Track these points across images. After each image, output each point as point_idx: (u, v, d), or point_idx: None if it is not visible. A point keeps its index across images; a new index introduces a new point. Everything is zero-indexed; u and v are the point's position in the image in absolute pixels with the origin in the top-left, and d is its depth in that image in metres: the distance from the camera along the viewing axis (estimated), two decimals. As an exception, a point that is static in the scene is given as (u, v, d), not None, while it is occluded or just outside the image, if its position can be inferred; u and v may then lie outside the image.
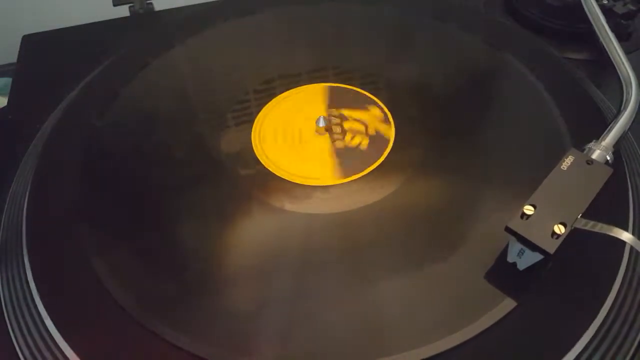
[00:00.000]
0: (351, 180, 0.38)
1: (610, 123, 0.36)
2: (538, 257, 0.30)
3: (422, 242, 0.35)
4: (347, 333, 0.30)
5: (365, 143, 0.41)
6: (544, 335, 0.30)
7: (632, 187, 0.37)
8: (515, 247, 0.31)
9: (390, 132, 0.41)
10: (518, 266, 0.31)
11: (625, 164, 0.38)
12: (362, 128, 0.42)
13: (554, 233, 0.29)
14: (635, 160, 0.39)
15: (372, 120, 0.42)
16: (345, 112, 0.43)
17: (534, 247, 0.29)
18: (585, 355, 0.29)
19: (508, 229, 0.30)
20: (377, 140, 0.41)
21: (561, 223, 0.30)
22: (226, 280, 0.34)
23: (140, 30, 0.54)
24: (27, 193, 0.38)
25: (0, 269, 0.36)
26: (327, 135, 0.42)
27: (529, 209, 0.30)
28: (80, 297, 0.33)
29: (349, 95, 0.45)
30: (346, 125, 0.42)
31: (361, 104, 0.44)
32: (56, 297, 0.33)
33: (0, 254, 0.37)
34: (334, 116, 0.43)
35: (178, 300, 0.32)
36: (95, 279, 0.33)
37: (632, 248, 0.32)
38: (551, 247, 0.29)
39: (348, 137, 0.41)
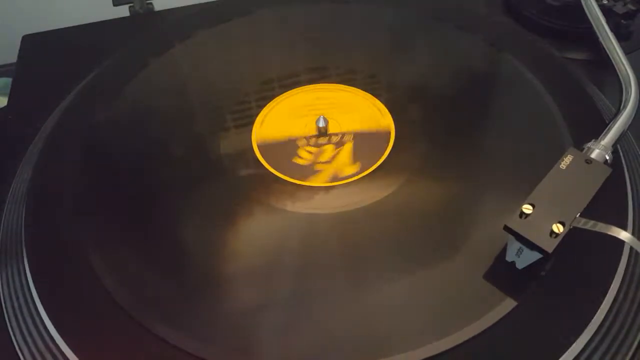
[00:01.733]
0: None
1: (609, 123, 0.36)
2: (537, 256, 0.30)
3: (421, 242, 0.35)
4: (347, 333, 0.30)
5: (299, 162, 0.40)
6: (543, 335, 0.30)
7: (631, 187, 0.37)
8: (513, 246, 0.31)
9: (317, 183, 0.38)
10: (517, 265, 0.31)
11: (624, 163, 0.38)
12: (322, 159, 0.40)
13: (552, 232, 0.29)
14: (634, 160, 0.39)
15: (333, 168, 0.39)
16: (347, 146, 0.41)
17: (532, 246, 0.29)
18: (585, 355, 0.29)
19: (507, 228, 0.30)
20: (302, 171, 0.39)
21: (560, 222, 0.30)
22: (226, 280, 0.34)
23: (140, 30, 0.54)
24: (27, 193, 0.38)
25: (0, 269, 0.36)
26: (315, 133, 0.42)
27: (527, 208, 0.30)
28: (80, 297, 0.33)
29: (376, 143, 0.41)
30: (328, 147, 0.41)
31: (362, 156, 0.40)
32: (56, 297, 0.33)
33: (0, 254, 0.37)
34: (343, 139, 0.41)
35: (178, 300, 0.32)
36: (95, 278, 0.33)
37: (631, 247, 0.32)
38: (549, 246, 0.29)
39: (310, 149, 0.41)
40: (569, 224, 0.30)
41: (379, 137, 0.41)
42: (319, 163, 0.40)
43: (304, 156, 0.40)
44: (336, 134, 0.42)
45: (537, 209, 0.30)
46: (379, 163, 0.39)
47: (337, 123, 0.43)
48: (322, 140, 0.41)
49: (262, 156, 0.40)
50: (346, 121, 0.43)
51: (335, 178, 0.39)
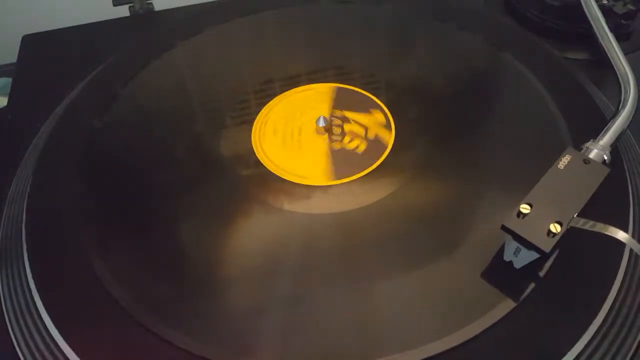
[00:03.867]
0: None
1: (607, 123, 0.36)
2: (534, 255, 0.30)
3: (421, 242, 0.35)
4: (346, 333, 0.30)
5: (362, 147, 0.40)
6: (544, 336, 0.30)
7: (632, 187, 0.37)
8: (511, 245, 0.31)
9: (390, 138, 0.41)
10: (514, 265, 0.31)
11: (625, 163, 0.38)
12: (362, 132, 0.41)
13: (549, 232, 0.29)
14: (635, 160, 0.39)
15: (373, 124, 0.42)
16: (348, 114, 0.43)
17: (529, 246, 0.29)
18: (585, 355, 0.29)
19: (504, 227, 0.30)
20: (374, 145, 0.40)
21: (557, 222, 0.30)
22: (226, 280, 0.34)
23: (140, 30, 0.54)
24: (27, 193, 0.38)
25: (0, 269, 0.36)
26: (326, 135, 0.42)
27: (525, 208, 0.30)
28: (80, 297, 0.33)
29: (354, 97, 0.44)
30: (347, 127, 0.42)
31: (365, 107, 0.43)
32: (56, 297, 0.33)
33: (0, 254, 0.37)
34: (337, 117, 0.43)
35: (178, 300, 0.32)
36: (95, 279, 0.33)
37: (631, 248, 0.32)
38: (547, 245, 0.29)
39: (346, 139, 0.41)
40: (566, 223, 0.30)
41: (341, 93, 0.45)
42: (367, 134, 0.41)
43: (356, 143, 0.41)
44: (331, 120, 0.43)
45: (535, 209, 0.30)
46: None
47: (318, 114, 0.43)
48: (336, 130, 0.42)
49: (347, 177, 0.39)
50: (318, 109, 0.44)
51: (387, 126, 0.42)
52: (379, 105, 0.43)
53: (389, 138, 0.41)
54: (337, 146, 0.41)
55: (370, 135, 0.41)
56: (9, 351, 0.32)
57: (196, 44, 0.50)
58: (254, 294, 0.32)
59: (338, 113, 0.43)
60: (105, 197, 0.38)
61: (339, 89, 0.45)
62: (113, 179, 0.39)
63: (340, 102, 0.44)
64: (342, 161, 0.40)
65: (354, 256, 0.34)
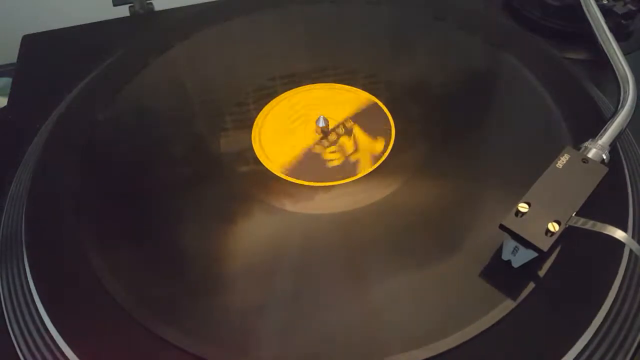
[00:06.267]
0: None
1: (606, 122, 0.36)
2: (532, 254, 0.30)
3: (421, 242, 0.35)
4: (346, 334, 0.30)
5: (335, 163, 0.39)
6: (544, 336, 0.30)
7: (631, 186, 0.37)
8: (509, 244, 0.31)
9: (365, 169, 0.39)
10: (512, 264, 0.31)
11: (624, 163, 0.38)
12: (350, 151, 0.40)
13: (548, 231, 0.29)
14: (635, 160, 0.39)
15: (366, 150, 0.40)
16: (356, 129, 0.42)
17: (527, 245, 0.29)
18: (585, 355, 0.29)
19: (502, 226, 0.30)
20: (347, 168, 0.39)
21: (555, 221, 0.30)
22: (226, 280, 0.34)
23: (140, 30, 0.54)
24: (27, 192, 0.38)
25: (0, 269, 0.36)
26: (319, 136, 0.42)
27: (523, 207, 0.30)
28: (80, 297, 0.33)
29: (377, 117, 0.43)
30: (342, 139, 0.41)
31: (376, 131, 0.42)
32: (56, 296, 0.33)
33: (0, 254, 0.37)
34: (345, 126, 0.42)
35: (178, 300, 0.32)
36: (95, 278, 0.33)
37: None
38: (545, 244, 0.29)
39: (331, 149, 0.41)
40: (564, 222, 0.30)
41: (372, 109, 0.44)
42: (351, 155, 0.40)
43: (334, 157, 0.40)
44: (338, 126, 0.42)
45: (533, 208, 0.30)
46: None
47: (333, 117, 0.43)
48: (332, 137, 0.41)
49: (297, 178, 0.39)
50: (339, 112, 0.43)
51: (376, 158, 0.40)
52: (390, 135, 0.41)
53: (364, 169, 0.39)
54: (317, 149, 0.41)
55: (353, 158, 0.40)
56: (9, 351, 0.32)
57: (196, 43, 0.50)
58: (255, 294, 0.32)
59: (349, 123, 0.42)
60: (105, 197, 0.38)
61: (374, 104, 0.44)
62: (113, 179, 0.39)
63: (362, 115, 0.43)
64: (306, 164, 0.40)
65: (354, 256, 0.34)
